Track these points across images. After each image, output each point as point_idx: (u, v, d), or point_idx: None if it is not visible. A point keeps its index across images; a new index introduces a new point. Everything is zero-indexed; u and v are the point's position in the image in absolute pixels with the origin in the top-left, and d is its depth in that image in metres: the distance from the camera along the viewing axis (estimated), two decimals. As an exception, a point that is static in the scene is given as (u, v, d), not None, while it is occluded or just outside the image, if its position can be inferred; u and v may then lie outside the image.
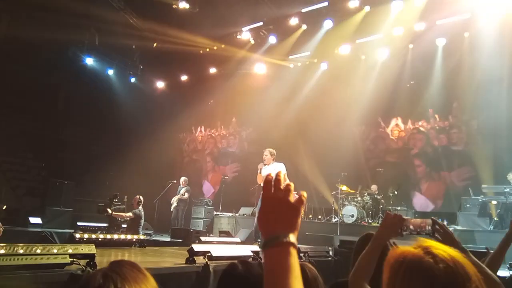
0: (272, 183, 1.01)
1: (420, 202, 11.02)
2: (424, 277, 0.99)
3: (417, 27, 10.50)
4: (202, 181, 15.38)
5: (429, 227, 1.90)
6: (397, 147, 11.96)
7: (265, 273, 0.92)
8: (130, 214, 8.80)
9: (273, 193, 1.00)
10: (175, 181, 11.81)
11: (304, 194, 1.01)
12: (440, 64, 10.89)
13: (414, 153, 11.56)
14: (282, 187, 1.00)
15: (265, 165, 7.04)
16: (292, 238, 0.95)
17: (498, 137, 9.56)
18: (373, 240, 1.82)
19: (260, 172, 7.05)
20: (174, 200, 11.19)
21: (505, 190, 8.07)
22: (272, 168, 6.98)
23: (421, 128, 11.59)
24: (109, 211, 8.29)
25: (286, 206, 0.98)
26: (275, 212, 0.98)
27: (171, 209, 11.18)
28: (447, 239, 1.83)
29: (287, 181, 1.06)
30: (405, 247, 1.07)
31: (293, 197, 1.00)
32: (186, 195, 11.24)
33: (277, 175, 1.02)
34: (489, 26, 9.61)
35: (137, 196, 8.99)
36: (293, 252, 0.94)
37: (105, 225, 8.92)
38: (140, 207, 8.89)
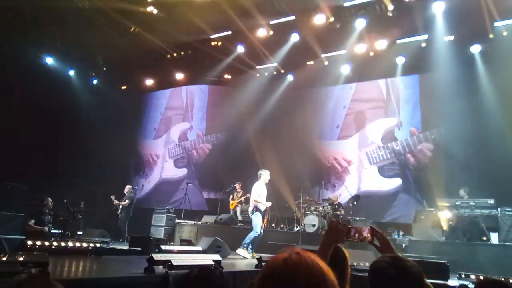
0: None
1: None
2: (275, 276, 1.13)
3: (378, 44, 10.97)
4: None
5: (369, 235, 1.97)
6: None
7: None
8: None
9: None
10: (136, 187, 11.51)
11: None
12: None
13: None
14: None
15: None
16: None
17: (452, 153, 10.03)
18: (320, 248, 1.85)
19: None
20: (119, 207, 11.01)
21: (456, 203, 8.50)
22: None
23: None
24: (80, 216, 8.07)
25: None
26: None
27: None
28: (384, 245, 1.96)
29: None
30: (279, 254, 1.21)
31: None
32: (126, 201, 11.01)
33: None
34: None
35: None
36: None
37: (59, 231, 8.54)
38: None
